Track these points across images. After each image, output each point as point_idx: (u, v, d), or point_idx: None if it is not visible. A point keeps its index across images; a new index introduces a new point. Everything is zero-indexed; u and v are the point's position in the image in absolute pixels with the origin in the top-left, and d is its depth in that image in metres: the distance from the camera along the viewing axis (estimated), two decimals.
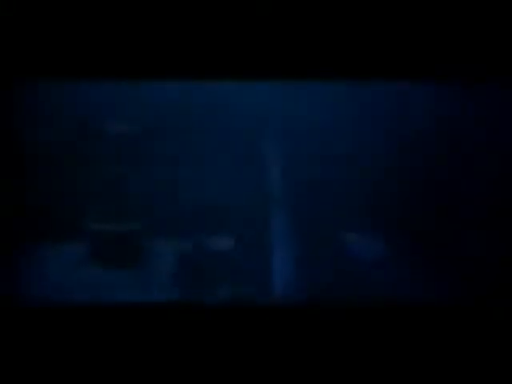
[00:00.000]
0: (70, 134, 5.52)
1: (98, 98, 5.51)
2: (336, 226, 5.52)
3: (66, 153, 5.50)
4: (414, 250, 5.46)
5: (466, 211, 5.47)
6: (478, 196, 5.45)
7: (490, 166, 5.45)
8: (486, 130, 5.46)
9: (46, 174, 5.47)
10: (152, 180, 5.56)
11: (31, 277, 5.27)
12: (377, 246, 5.50)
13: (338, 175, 5.53)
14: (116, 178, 5.51)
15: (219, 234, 5.50)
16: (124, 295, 5.13)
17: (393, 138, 5.54)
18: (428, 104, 5.50)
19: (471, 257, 5.35)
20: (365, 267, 5.36)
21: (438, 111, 5.51)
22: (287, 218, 5.48)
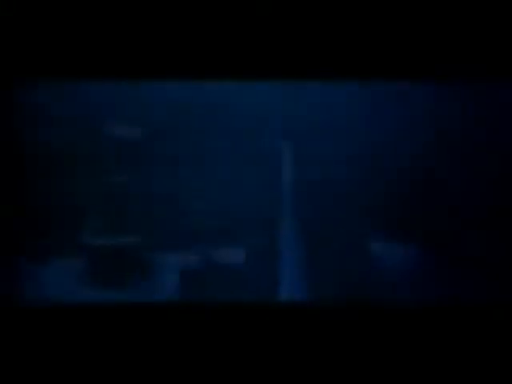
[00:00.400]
0: (69, 134, 5.52)
1: (98, 98, 5.51)
2: (336, 226, 5.52)
3: (65, 153, 5.49)
4: (413, 249, 5.46)
5: (466, 211, 5.46)
6: (478, 196, 5.45)
7: (490, 166, 5.44)
8: (486, 129, 5.46)
9: (45, 174, 5.47)
10: (154, 183, 5.55)
11: (31, 277, 5.26)
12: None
13: (337, 176, 5.52)
14: (117, 180, 5.51)
15: (225, 243, 5.45)
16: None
17: (392, 138, 5.54)
18: (428, 104, 5.50)
19: (471, 257, 5.35)
20: (366, 268, 5.36)
21: (438, 111, 5.51)
22: (294, 221, 5.48)
